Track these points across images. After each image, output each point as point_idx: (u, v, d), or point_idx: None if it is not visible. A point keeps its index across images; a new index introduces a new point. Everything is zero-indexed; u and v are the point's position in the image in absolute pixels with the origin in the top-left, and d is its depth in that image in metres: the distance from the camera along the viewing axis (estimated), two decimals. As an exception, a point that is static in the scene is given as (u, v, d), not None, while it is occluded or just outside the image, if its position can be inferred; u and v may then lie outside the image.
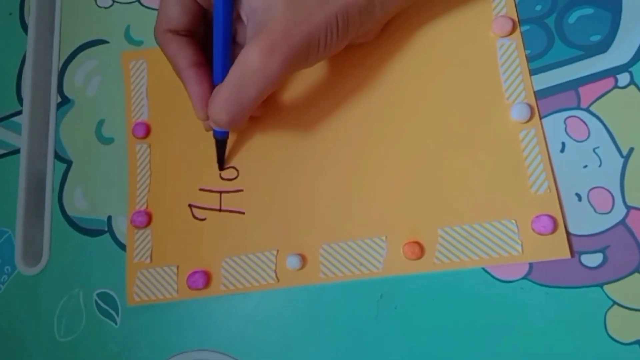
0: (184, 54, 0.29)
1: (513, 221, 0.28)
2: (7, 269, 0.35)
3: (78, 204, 0.34)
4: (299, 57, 0.26)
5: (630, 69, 0.28)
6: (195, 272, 0.31)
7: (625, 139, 0.27)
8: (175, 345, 0.31)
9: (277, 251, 0.30)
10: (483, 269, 0.28)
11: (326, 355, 0.29)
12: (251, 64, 0.25)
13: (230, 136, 0.32)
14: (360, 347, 0.28)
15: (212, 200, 0.32)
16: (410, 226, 0.29)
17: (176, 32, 0.29)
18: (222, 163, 0.32)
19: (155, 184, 0.33)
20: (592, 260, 0.27)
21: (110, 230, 0.33)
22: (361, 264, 0.29)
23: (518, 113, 0.28)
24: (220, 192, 0.32)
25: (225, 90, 0.26)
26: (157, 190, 0.33)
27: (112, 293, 0.32)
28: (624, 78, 0.28)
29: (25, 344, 0.33)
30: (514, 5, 0.30)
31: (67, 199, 0.35)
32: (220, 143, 0.32)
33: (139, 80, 0.35)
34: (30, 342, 0.33)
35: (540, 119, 0.28)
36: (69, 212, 0.34)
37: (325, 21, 0.26)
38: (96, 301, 0.32)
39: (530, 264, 0.27)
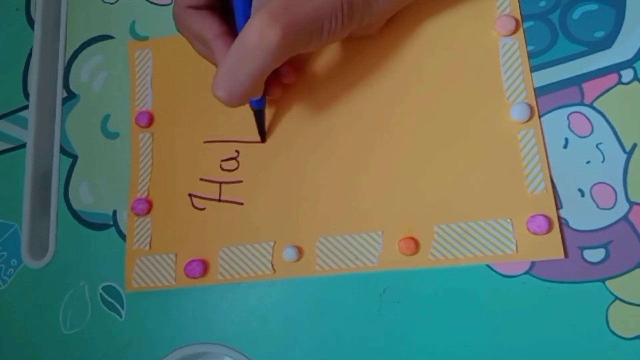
0: (210, 25, 0.28)
1: (508, 220, 0.28)
2: (14, 262, 0.35)
3: (84, 198, 0.35)
4: (300, 37, 0.25)
5: (634, 65, 0.28)
6: (193, 261, 0.31)
7: (628, 135, 0.27)
8: (180, 339, 0.31)
9: (274, 242, 0.31)
10: (486, 264, 0.28)
11: (329, 349, 0.29)
12: (249, 39, 0.25)
13: (232, 126, 0.33)
14: (363, 341, 0.29)
15: (211, 191, 0.32)
16: (407, 222, 0.29)
17: (196, 7, 0.29)
18: (263, 134, 0.32)
19: (156, 173, 0.34)
20: (595, 255, 0.27)
21: (116, 224, 0.34)
22: (357, 258, 0.29)
23: (518, 113, 0.28)
24: (220, 183, 0.32)
25: (223, 66, 0.26)
26: (158, 179, 0.34)
27: (117, 286, 0.32)
28: (627, 74, 0.28)
29: (31, 337, 0.33)
30: (517, 4, 0.30)
31: (73, 193, 0.35)
32: (258, 113, 0.31)
33: (144, 70, 0.36)
34: (36, 334, 0.33)
35: (540, 118, 0.29)
36: (75, 206, 0.35)
37: (330, 5, 0.25)
38: (101, 294, 0.33)
39: (533, 259, 0.27)
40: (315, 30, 0.26)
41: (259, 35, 0.24)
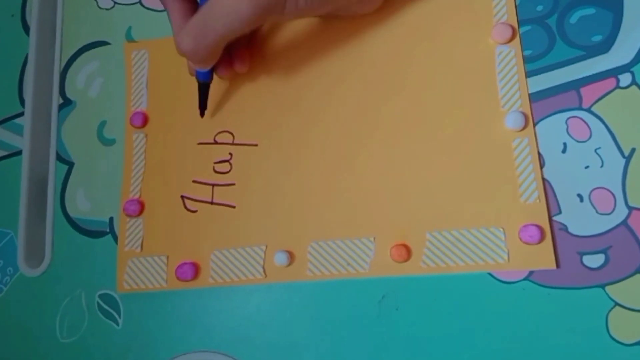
0: None
1: (501, 229, 0.28)
2: (10, 270, 0.35)
3: (80, 205, 0.34)
4: (273, 4, 0.26)
5: (631, 69, 0.28)
6: (184, 264, 0.31)
7: (626, 140, 0.27)
8: (176, 347, 0.31)
9: (266, 247, 0.31)
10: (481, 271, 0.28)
11: (328, 356, 0.29)
12: (223, 0, 0.26)
13: (226, 128, 0.33)
14: (362, 347, 0.28)
15: (204, 193, 0.32)
16: (399, 229, 0.29)
17: None
18: (203, 109, 0.33)
19: (149, 174, 0.34)
20: (594, 261, 0.26)
21: (112, 231, 0.33)
22: (348, 264, 0.29)
23: (512, 121, 0.28)
24: (213, 185, 0.32)
25: (195, 19, 0.27)
26: (151, 180, 0.34)
27: (113, 294, 0.32)
28: (625, 78, 0.28)
29: (27, 345, 0.33)
30: (514, 11, 0.30)
31: (69, 201, 0.35)
32: (203, 86, 0.32)
33: (139, 71, 0.36)
34: (33, 343, 0.33)
35: (534, 127, 0.28)
36: (71, 214, 0.35)
37: None
38: (98, 302, 0.33)
39: (532, 265, 0.27)
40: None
41: None
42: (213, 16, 0.26)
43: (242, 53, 0.32)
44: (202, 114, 0.33)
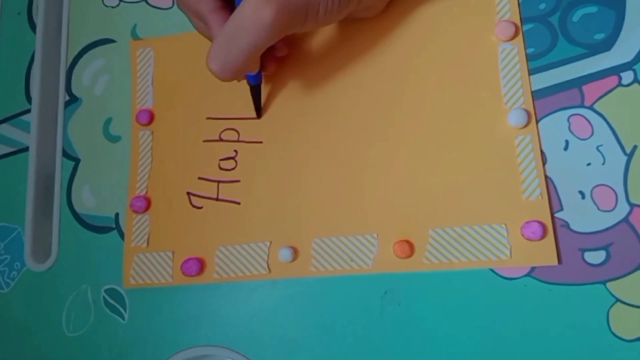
0: (206, 0, 0.29)
1: (503, 225, 0.28)
2: (17, 265, 0.35)
3: (86, 201, 0.35)
4: (295, 16, 0.26)
5: (633, 67, 0.28)
6: (189, 259, 0.31)
7: (628, 137, 0.27)
8: (182, 341, 0.31)
9: (270, 243, 0.31)
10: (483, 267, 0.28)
11: (331, 351, 0.29)
12: (245, 15, 0.25)
13: (231, 125, 0.33)
14: (365, 343, 0.29)
15: (209, 189, 0.33)
16: (402, 225, 0.29)
17: None
18: (259, 110, 0.33)
19: (155, 171, 0.34)
20: (595, 257, 0.27)
21: (118, 226, 0.34)
22: (352, 260, 0.29)
23: (515, 118, 0.28)
24: (218, 182, 0.33)
25: (218, 39, 0.26)
26: (157, 177, 0.34)
27: (119, 289, 0.33)
28: (627, 76, 0.28)
29: (34, 339, 0.34)
30: (517, 9, 0.30)
31: (76, 197, 0.35)
32: (254, 89, 0.32)
33: (145, 68, 0.36)
34: (39, 337, 0.34)
35: (537, 124, 0.29)
36: (77, 209, 0.35)
37: None
38: (104, 297, 0.33)
39: (534, 261, 0.27)
40: (311, 10, 0.26)
41: (254, 11, 0.25)
42: (237, 34, 0.25)
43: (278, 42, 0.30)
44: (258, 115, 0.33)
